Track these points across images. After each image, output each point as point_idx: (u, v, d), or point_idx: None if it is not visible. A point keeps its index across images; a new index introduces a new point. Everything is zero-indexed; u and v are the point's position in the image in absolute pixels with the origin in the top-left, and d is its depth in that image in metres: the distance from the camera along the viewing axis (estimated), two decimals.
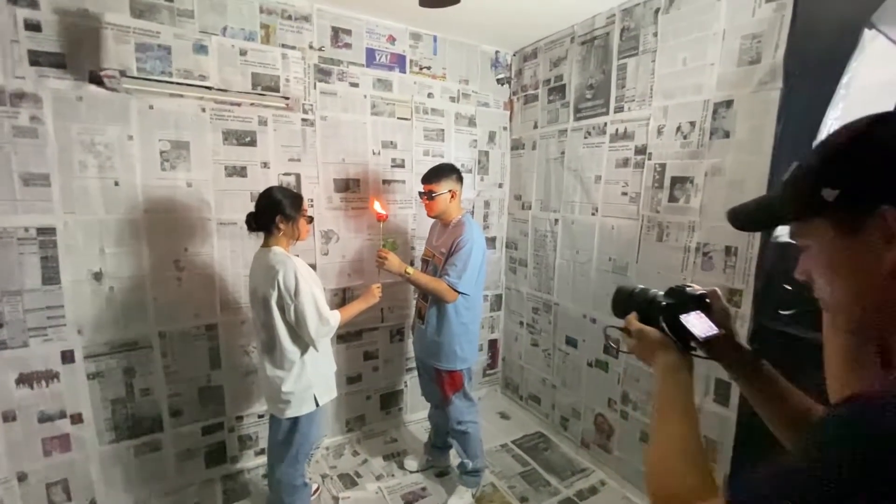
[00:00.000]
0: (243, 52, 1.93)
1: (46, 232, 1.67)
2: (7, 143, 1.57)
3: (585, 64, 2.23)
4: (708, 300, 0.72)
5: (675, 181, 1.82)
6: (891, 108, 0.42)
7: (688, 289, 0.73)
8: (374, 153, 2.34)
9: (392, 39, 2.30)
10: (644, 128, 1.94)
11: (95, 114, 1.69)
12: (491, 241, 2.83)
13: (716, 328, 0.68)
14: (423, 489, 2.13)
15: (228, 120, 1.94)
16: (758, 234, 1.54)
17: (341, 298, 2.34)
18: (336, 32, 2.15)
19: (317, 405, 1.64)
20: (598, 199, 2.19)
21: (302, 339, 1.58)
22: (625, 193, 2.04)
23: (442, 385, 1.96)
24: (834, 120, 1.33)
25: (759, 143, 1.52)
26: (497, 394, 3.08)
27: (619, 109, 2.05)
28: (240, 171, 2.00)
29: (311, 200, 2.17)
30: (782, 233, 1.46)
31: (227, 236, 2.00)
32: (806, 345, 1.26)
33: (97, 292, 1.78)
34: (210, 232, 1.97)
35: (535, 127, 2.59)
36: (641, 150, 1.95)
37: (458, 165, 1.98)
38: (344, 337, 2.40)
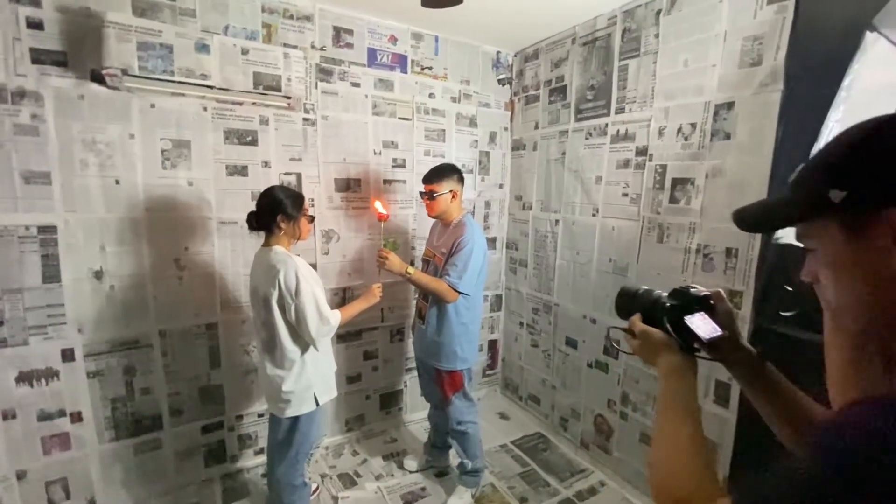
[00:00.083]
0: (245, 52, 1.93)
1: (47, 230, 1.67)
2: (8, 140, 1.56)
3: (587, 65, 2.23)
4: (712, 301, 0.72)
5: (676, 182, 1.82)
6: (892, 111, 0.42)
7: (692, 290, 0.73)
8: (375, 153, 2.34)
9: (394, 39, 2.30)
10: (645, 129, 1.94)
11: (97, 112, 1.69)
12: (491, 242, 2.83)
13: (720, 330, 0.68)
14: (423, 489, 2.13)
15: (230, 119, 1.94)
16: (758, 236, 1.54)
17: (342, 298, 2.34)
18: (338, 32, 2.15)
19: (317, 405, 1.64)
20: (599, 199, 2.19)
21: (302, 339, 1.58)
22: (625, 194, 2.04)
23: (442, 385, 1.96)
24: (835, 122, 1.33)
25: (760, 144, 1.52)
26: (497, 394, 3.08)
27: (620, 110, 2.05)
28: (241, 171, 2.00)
29: (312, 200, 2.17)
30: (783, 234, 1.47)
31: (228, 235, 2.00)
32: (806, 346, 1.26)
33: (97, 291, 1.78)
34: (211, 231, 1.97)
35: (536, 127, 2.59)
36: (642, 152, 1.96)
37: (458, 166, 1.98)
38: (344, 336, 2.40)
